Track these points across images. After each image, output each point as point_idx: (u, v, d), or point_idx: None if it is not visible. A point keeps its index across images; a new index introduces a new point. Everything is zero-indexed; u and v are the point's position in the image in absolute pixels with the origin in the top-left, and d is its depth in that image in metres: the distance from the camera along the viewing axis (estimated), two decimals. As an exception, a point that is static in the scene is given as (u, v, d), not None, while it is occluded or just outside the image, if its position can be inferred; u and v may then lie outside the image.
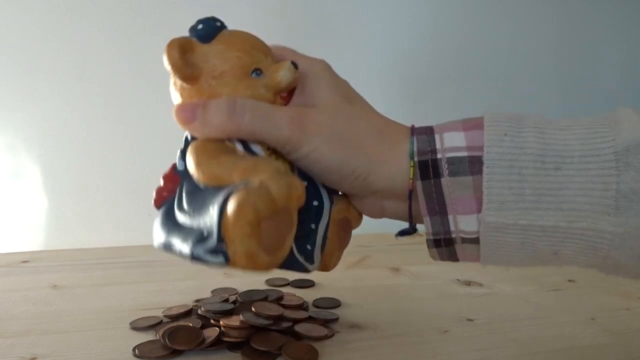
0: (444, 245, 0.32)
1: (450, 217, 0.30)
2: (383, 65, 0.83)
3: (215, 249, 0.27)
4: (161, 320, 0.42)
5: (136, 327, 0.41)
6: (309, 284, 0.52)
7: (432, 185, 0.30)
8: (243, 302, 0.45)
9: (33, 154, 0.73)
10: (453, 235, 0.31)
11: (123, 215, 0.75)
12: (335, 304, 0.47)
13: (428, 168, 0.30)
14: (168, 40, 0.31)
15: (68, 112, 0.73)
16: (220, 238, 0.26)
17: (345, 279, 0.55)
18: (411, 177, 0.31)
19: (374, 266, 0.60)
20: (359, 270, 0.58)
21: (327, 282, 0.53)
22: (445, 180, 0.30)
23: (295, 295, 0.47)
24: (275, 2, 0.78)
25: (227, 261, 0.27)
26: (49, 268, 0.58)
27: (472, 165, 0.29)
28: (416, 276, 0.56)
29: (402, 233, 0.35)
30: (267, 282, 0.53)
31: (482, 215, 0.29)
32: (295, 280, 0.53)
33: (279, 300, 0.45)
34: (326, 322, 0.42)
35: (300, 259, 0.31)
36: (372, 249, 0.65)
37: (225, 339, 0.38)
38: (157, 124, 0.74)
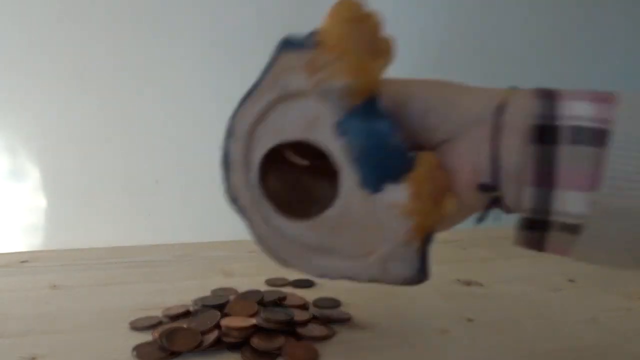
0: (536, 229, 0.29)
1: (556, 192, 0.27)
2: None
3: (307, 37, 0.30)
4: (161, 321, 0.42)
5: (136, 327, 0.41)
6: (308, 284, 0.52)
7: (544, 152, 0.27)
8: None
9: (33, 154, 0.73)
10: (552, 218, 0.28)
11: (123, 215, 0.75)
12: (335, 304, 0.47)
13: (544, 133, 0.27)
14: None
15: (68, 112, 0.73)
16: (311, 35, 0.31)
17: (345, 279, 0.55)
18: (504, 95, 0.30)
19: (374, 266, 0.59)
20: (359, 270, 0.58)
21: (327, 282, 0.53)
22: (562, 148, 0.27)
23: (295, 295, 0.47)
24: (276, 1, 0.78)
25: (317, 45, 0.30)
26: (49, 268, 0.58)
27: (596, 137, 0.26)
28: (416, 276, 0.56)
29: (482, 187, 0.30)
30: (267, 282, 0.52)
31: (597, 193, 0.26)
32: (295, 281, 0.53)
33: (281, 300, 0.45)
34: (333, 322, 0.42)
35: (389, 119, 0.31)
36: (372, 249, 0.65)
37: (225, 339, 0.38)
38: (157, 124, 0.74)
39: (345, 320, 0.43)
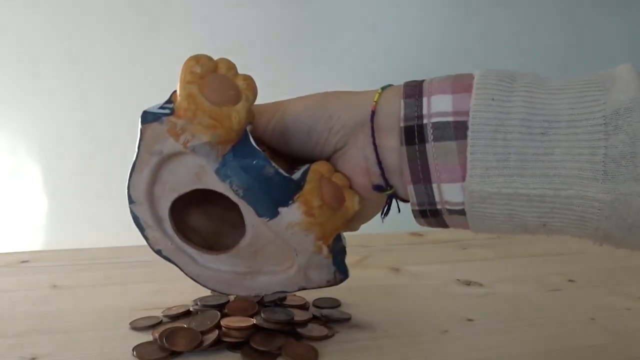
0: (431, 216, 0.31)
1: (434, 186, 0.30)
2: (379, 67, 0.83)
3: (164, 105, 0.32)
4: (161, 321, 0.42)
5: (136, 327, 0.41)
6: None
7: (416, 151, 0.30)
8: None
9: (33, 154, 0.73)
10: (439, 207, 0.30)
11: (123, 215, 0.75)
12: (335, 304, 0.47)
13: (413, 133, 0.30)
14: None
15: (68, 112, 0.73)
16: (170, 99, 0.32)
17: (345, 279, 0.55)
18: (375, 100, 0.31)
19: (374, 266, 0.60)
20: (359, 270, 0.58)
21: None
22: (430, 146, 0.29)
23: (295, 295, 0.47)
24: (273, 2, 0.78)
25: (173, 111, 0.31)
26: (49, 268, 0.58)
27: (458, 130, 0.28)
28: (416, 276, 0.56)
29: (377, 188, 0.33)
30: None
31: (466, 183, 0.28)
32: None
33: (281, 300, 0.45)
34: (333, 322, 0.42)
35: (261, 152, 0.32)
36: (372, 249, 0.65)
37: (225, 339, 0.38)
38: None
39: (345, 320, 0.43)
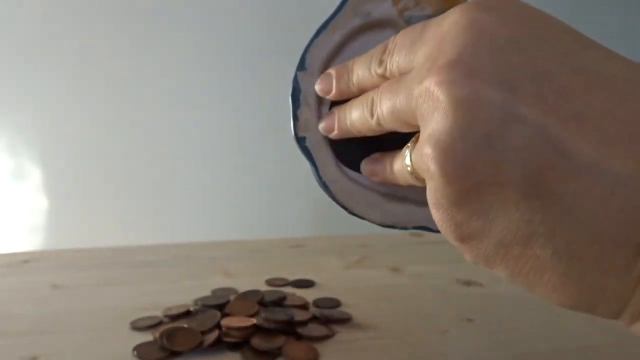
0: None
1: None
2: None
3: None
4: (161, 321, 0.42)
5: (136, 327, 0.41)
6: (308, 284, 0.52)
7: None
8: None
9: (34, 155, 0.73)
10: None
11: (123, 215, 0.75)
12: (335, 304, 0.47)
13: None
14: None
15: (68, 113, 0.73)
16: None
17: (345, 279, 0.55)
18: None
19: (374, 266, 0.60)
20: (359, 270, 0.58)
21: (327, 282, 0.53)
22: None
23: (295, 295, 0.47)
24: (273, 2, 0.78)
25: None
26: (49, 268, 0.58)
27: None
28: (416, 276, 0.56)
29: None
30: (267, 282, 0.53)
31: None
32: (295, 281, 0.53)
33: (281, 300, 0.46)
34: (333, 322, 0.42)
35: None
36: (372, 249, 0.65)
37: (225, 339, 0.38)
38: (158, 124, 0.75)
39: (345, 320, 0.43)
